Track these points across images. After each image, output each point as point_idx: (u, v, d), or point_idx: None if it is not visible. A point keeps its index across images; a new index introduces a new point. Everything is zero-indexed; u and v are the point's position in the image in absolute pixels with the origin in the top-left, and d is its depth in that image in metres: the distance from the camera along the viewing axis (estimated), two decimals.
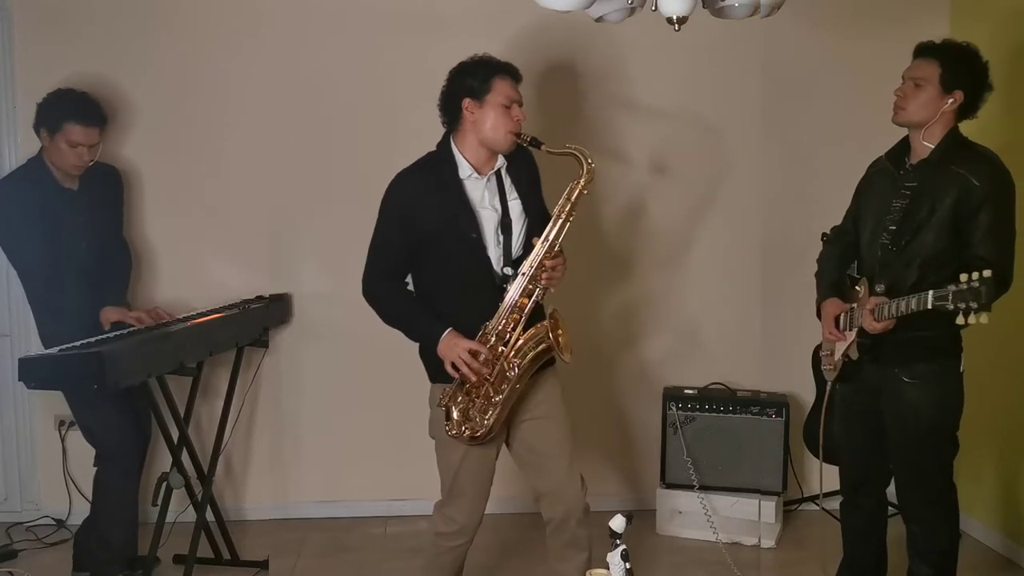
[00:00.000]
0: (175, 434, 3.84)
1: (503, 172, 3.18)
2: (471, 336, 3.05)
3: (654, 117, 4.56)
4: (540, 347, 3.09)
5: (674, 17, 2.76)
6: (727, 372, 4.63)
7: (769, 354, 4.67)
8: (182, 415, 3.90)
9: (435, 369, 3.15)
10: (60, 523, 4.49)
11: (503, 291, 3.09)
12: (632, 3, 2.92)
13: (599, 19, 3.11)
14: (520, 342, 3.08)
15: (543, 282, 3.07)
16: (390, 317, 3.21)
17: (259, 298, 4.38)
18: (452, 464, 3.18)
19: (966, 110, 3.15)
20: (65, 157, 3.74)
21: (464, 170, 3.13)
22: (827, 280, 3.44)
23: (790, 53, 4.57)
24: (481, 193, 3.14)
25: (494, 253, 3.13)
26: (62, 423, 4.42)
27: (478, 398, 3.07)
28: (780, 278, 4.62)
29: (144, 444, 3.96)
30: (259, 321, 4.25)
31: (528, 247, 3.13)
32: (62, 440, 4.46)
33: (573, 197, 3.11)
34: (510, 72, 3.14)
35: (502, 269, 3.13)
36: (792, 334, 4.31)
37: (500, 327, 3.07)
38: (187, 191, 4.47)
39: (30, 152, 4.18)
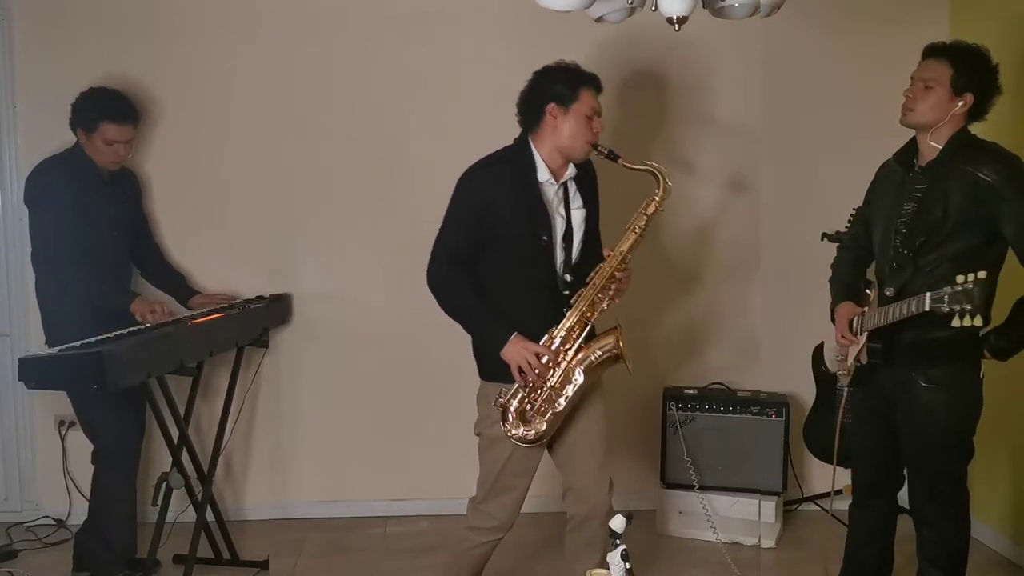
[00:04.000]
0: (175, 434, 3.83)
1: (570, 181, 3.22)
2: (532, 339, 3.09)
3: (651, 117, 4.56)
4: (605, 355, 3.14)
5: (674, 17, 2.77)
6: (727, 372, 4.63)
7: (769, 354, 4.67)
8: (182, 415, 3.89)
9: (491, 367, 3.17)
10: (60, 523, 4.49)
11: (563, 297, 3.15)
12: (632, 3, 2.93)
13: (599, 19, 3.12)
14: (584, 351, 3.13)
15: (611, 293, 3.13)
16: (455, 307, 3.17)
17: (259, 298, 4.37)
18: (498, 460, 3.19)
19: (976, 113, 3.10)
20: (102, 154, 3.86)
21: (542, 173, 3.16)
22: (840, 284, 3.42)
23: (790, 53, 4.57)
24: (552, 198, 3.17)
25: (558, 259, 3.17)
26: (62, 423, 4.42)
27: (537, 401, 3.11)
28: (780, 278, 4.62)
29: (141, 441, 3.99)
30: (259, 321, 4.24)
31: (584, 257, 3.20)
32: (62, 440, 4.46)
33: (649, 213, 3.18)
34: (595, 84, 3.18)
35: (563, 275, 3.17)
36: (792, 334, 4.31)
37: (565, 334, 3.11)
38: (187, 191, 4.47)
39: (31, 152, 4.20)
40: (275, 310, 4.39)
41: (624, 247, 3.15)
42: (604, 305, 3.14)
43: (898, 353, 3.15)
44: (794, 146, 4.64)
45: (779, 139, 4.62)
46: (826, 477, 3.65)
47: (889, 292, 3.12)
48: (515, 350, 3.07)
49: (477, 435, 3.28)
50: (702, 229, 4.66)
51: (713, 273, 4.68)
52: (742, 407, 4.35)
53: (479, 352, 3.25)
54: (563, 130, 3.12)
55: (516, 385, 3.11)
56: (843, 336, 3.29)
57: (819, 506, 4.56)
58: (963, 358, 3.11)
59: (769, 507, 4.26)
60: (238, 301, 4.24)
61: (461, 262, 3.15)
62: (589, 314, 3.14)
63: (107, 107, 3.86)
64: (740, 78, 4.60)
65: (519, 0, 3.32)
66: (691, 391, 4.46)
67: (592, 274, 3.15)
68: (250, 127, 4.47)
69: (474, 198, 3.14)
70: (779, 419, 4.32)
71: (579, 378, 3.12)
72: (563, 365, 3.11)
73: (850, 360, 3.33)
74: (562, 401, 3.11)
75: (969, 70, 3.04)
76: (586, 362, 3.13)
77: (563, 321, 3.12)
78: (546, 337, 3.11)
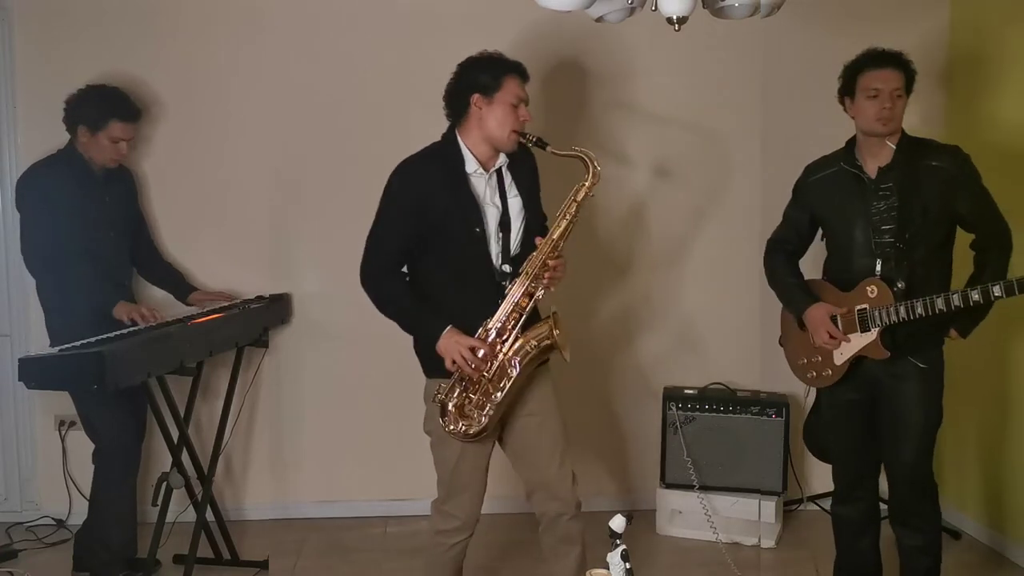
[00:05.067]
0: (175, 434, 3.84)
1: (504, 170, 3.19)
2: (469, 332, 3.06)
3: (652, 118, 4.56)
4: (541, 345, 3.10)
5: (674, 17, 2.76)
6: (727, 372, 4.63)
7: (769, 354, 4.63)
8: (182, 415, 3.90)
9: (431, 364, 3.15)
10: (60, 523, 4.49)
11: (501, 288, 3.11)
12: (632, 3, 2.92)
13: (599, 19, 3.11)
14: (520, 341, 3.09)
15: (545, 281, 3.09)
16: (389, 308, 3.16)
17: (259, 298, 4.38)
18: (449, 460, 3.18)
19: None
20: (105, 152, 3.86)
21: (470, 165, 3.14)
22: (795, 286, 3.46)
23: (790, 53, 4.57)
24: (484, 189, 3.15)
25: (494, 250, 3.14)
26: (62, 423, 4.42)
27: (475, 395, 3.08)
28: None
29: (141, 441, 4.00)
30: (259, 321, 4.24)
31: (526, 246, 3.15)
32: (62, 440, 4.46)
33: (579, 199, 3.13)
34: (520, 71, 3.16)
35: (501, 266, 3.14)
36: None
37: (500, 325, 3.08)
38: (187, 190, 4.47)
39: (31, 152, 4.19)
40: (275, 310, 4.40)
41: (555, 234, 3.10)
42: (540, 294, 3.09)
43: (900, 340, 3.24)
44: (793, 145, 4.61)
45: (778, 138, 4.62)
46: (827, 477, 3.66)
47: (901, 286, 3.21)
48: (449, 343, 3.03)
49: (427, 433, 3.24)
50: (702, 230, 4.66)
51: (713, 273, 4.68)
52: (742, 407, 4.36)
53: (420, 350, 3.22)
54: (488, 120, 3.10)
55: (453, 380, 3.09)
56: (832, 336, 3.31)
57: (819, 506, 4.56)
58: (940, 343, 3.33)
59: (769, 507, 4.26)
60: (238, 301, 4.24)
61: (396, 258, 3.14)
62: (524, 303, 3.08)
63: (116, 105, 3.87)
64: (740, 78, 4.60)
65: (520, 1, 3.32)
66: (691, 391, 4.46)
67: (524, 263, 3.11)
68: (250, 126, 4.47)
69: (407, 196, 3.11)
70: (779, 419, 4.33)
71: (515, 370, 3.08)
72: (500, 357, 3.07)
73: (843, 359, 3.34)
74: (499, 395, 3.08)
75: (911, 77, 3.29)
76: (522, 352, 3.09)
77: (497, 312, 3.08)
78: (481, 329, 3.07)
